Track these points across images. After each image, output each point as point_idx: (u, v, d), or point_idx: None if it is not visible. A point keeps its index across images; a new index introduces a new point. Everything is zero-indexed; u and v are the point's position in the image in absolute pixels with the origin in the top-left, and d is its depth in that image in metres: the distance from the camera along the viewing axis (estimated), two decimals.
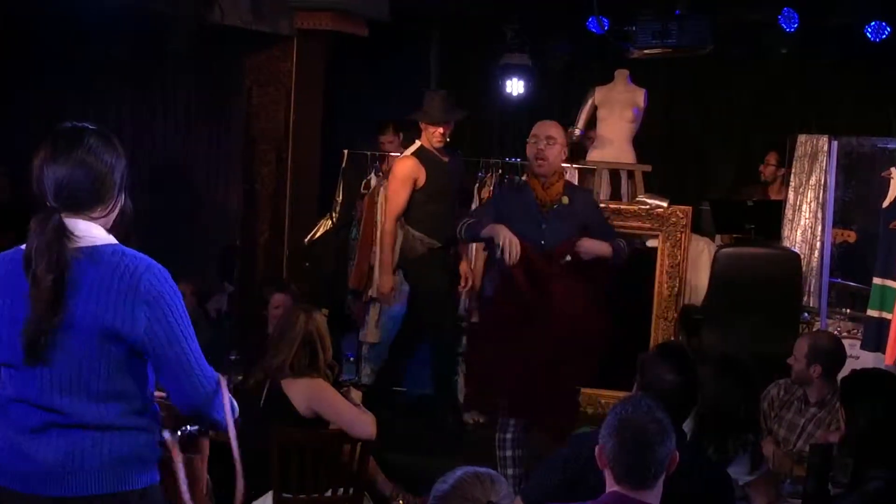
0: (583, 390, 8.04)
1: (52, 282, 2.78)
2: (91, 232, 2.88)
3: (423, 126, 7.32)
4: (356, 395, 5.45)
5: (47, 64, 8.53)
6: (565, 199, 6.03)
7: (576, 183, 8.22)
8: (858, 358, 7.33)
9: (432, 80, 11.53)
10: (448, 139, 7.37)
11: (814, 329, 7.58)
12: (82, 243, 2.85)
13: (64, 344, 2.83)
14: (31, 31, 8.09)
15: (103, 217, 2.94)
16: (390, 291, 7.47)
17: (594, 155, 8.99)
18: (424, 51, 11.46)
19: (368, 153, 8.52)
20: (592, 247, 5.98)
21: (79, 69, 8.64)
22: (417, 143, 7.36)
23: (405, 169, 7.31)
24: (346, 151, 8.50)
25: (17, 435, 2.89)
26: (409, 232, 7.30)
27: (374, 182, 8.31)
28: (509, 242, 5.71)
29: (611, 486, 3.32)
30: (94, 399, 2.87)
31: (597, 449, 3.35)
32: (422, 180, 7.26)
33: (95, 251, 2.86)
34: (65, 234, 2.82)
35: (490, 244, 6.00)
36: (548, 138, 5.96)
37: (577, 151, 9.19)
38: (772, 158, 9.80)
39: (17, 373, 2.88)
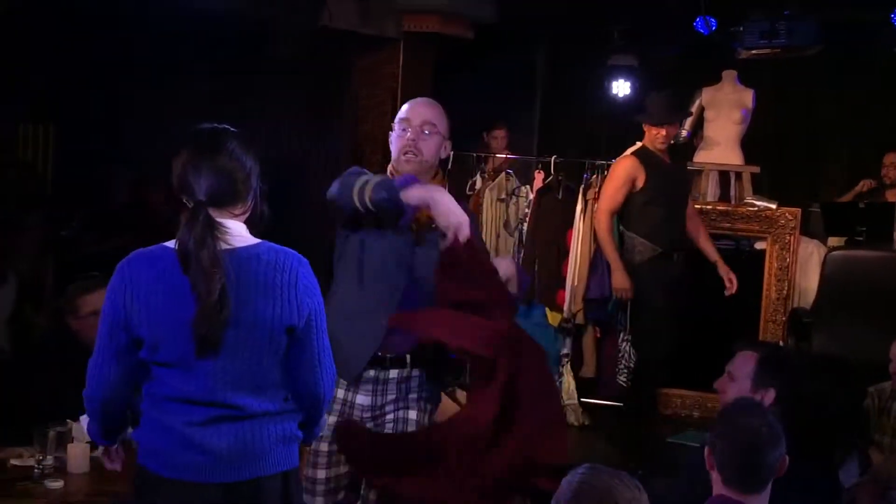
0: (688, 392, 8.02)
1: (220, 276, 2.87)
2: (241, 231, 3.01)
3: (645, 128, 7.11)
4: (461, 395, 5.48)
5: (163, 69, 8.69)
6: None
7: None
8: None
9: (538, 82, 11.53)
10: (672, 141, 7.12)
11: None
12: (238, 242, 2.97)
13: (233, 340, 2.93)
14: (144, 36, 8.24)
15: (243, 215, 3.05)
16: (629, 288, 6.99)
17: (702, 156, 8.92)
18: (531, 52, 11.45)
19: (474, 154, 8.55)
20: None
21: (191, 73, 8.79)
22: (639, 144, 7.20)
23: (623, 169, 7.10)
24: (451, 153, 8.52)
25: (186, 428, 2.97)
26: (628, 236, 7.10)
27: (479, 183, 8.34)
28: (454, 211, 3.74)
29: (718, 489, 3.30)
30: (261, 391, 3.01)
31: (706, 450, 3.33)
32: (641, 181, 7.02)
33: (252, 249, 3.00)
34: (216, 228, 2.92)
35: (405, 214, 3.78)
36: (425, 125, 4.15)
37: (685, 153, 9.13)
38: (891, 159, 9.59)
39: (181, 372, 2.95)
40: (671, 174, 7.06)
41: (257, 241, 3.03)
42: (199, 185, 2.96)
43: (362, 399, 3.99)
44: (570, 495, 2.82)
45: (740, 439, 3.27)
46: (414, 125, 4.11)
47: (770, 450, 3.25)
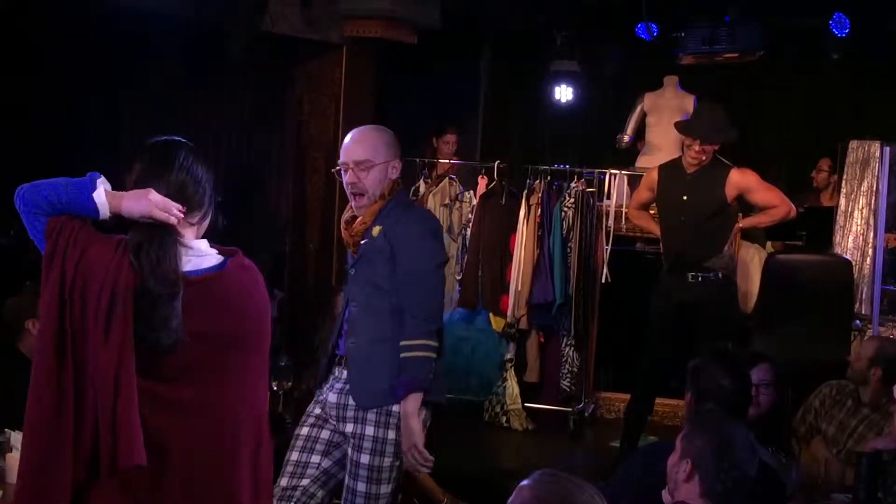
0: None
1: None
2: (202, 247, 2.96)
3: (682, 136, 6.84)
4: None
5: (106, 75, 8.63)
6: (376, 230, 4.24)
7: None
8: None
9: (481, 87, 11.55)
10: (705, 159, 6.66)
11: (866, 336, 7.51)
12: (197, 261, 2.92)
13: None
14: (90, 43, 8.18)
15: (200, 224, 3.01)
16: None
17: (643, 161, 8.96)
18: (474, 57, 11.47)
19: (417, 160, 8.53)
20: None
21: (134, 80, 8.74)
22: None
23: (646, 175, 7.15)
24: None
25: None
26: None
27: (422, 188, 8.33)
28: None
29: (687, 498, 3.29)
30: None
31: (685, 463, 3.32)
32: (655, 191, 6.91)
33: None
34: (177, 242, 2.87)
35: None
36: (358, 164, 4.24)
37: (627, 158, 9.18)
38: (824, 165, 9.75)
39: None
40: (687, 190, 6.69)
41: (220, 258, 2.97)
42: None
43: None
44: (530, 500, 2.74)
45: (749, 454, 3.37)
46: (350, 167, 4.25)
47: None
